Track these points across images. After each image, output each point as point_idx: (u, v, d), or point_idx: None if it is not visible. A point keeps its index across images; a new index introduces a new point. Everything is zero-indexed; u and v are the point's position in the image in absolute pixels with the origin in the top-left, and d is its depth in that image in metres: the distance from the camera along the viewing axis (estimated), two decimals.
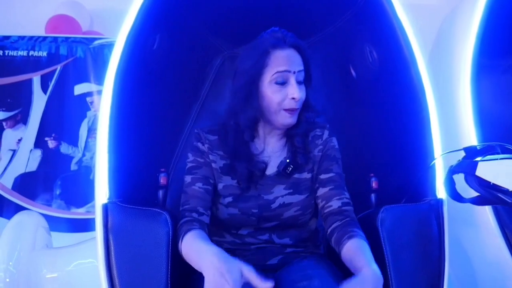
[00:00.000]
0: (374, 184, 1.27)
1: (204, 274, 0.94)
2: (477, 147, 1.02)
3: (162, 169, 1.23)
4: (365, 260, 1.00)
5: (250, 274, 0.92)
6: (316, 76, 1.61)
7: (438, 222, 1.17)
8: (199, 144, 1.21)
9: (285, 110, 1.16)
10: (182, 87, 1.52)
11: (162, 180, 1.21)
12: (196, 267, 1.00)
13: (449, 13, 1.75)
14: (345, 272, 1.10)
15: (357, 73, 1.52)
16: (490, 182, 0.95)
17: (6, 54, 2.13)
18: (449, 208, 1.21)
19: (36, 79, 2.16)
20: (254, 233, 1.21)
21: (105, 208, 1.08)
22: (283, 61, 1.13)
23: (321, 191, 1.19)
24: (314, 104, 1.24)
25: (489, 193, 0.95)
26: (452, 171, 0.99)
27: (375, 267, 0.99)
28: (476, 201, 1.05)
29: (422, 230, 1.15)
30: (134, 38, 1.27)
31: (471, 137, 1.32)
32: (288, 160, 1.19)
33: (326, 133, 1.24)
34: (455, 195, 1.06)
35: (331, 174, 1.20)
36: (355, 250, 1.05)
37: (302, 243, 1.22)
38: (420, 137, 1.26)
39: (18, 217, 1.28)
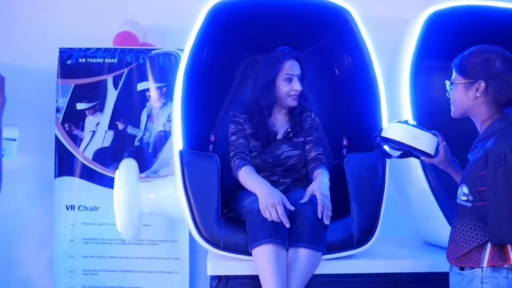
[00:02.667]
0: (345, 142, 1.95)
1: (258, 194, 1.61)
2: (397, 121, 1.58)
3: (212, 132, 1.93)
4: (320, 177, 1.73)
5: (284, 198, 1.60)
6: (313, 74, 2.28)
7: (383, 165, 1.83)
8: (237, 118, 1.90)
9: (290, 96, 1.87)
10: (219, 82, 2.18)
11: (212, 138, 1.92)
12: (250, 189, 1.66)
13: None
14: None
15: (339, 72, 2.16)
16: (388, 138, 1.52)
17: (88, 61, 2.66)
18: (395, 162, 1.84)
19: (109, 79, 2.66)
20: (268, 176, 1.89)
21: (181, 152, 1.77)
22: (290, 68, 1.85)
23: (307, 145, 1.90)
24: (306, 94, 1.96)
25: (387, 144, 1.54)
26: (374, 136, 1.60)
27: (325, 179, 1.71)
28: (399, 157, 1.64)
29: (371, 169, 1.81)
30: (193, 51, 1.93)
31: (408, 114, 1.93)
32: (289, 129, 1.90)
33: (313, 114, 1.95)
34: (384, 154, 1.65)
35: (312, 137, 1.91)
36: (317, 174, 1.78)
37: (297, 181, 1.90)
38: (375, 112, 1.92)
39: (126, 161, 1.93)
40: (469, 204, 1.32)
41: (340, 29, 2.09)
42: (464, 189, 1.34)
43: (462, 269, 1.34)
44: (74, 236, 2.65)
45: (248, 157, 1.82)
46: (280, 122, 1.93)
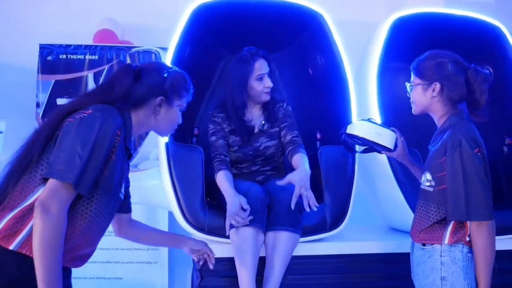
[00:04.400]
0: (318, 136, 2.11)
1: (227, 201, 1.72)
2: (361, 119, 1.77)
3: (195, 126, 2.06)
4: (301, 164, 1.82)
5: (243, 201, 1.69)
6: (289, 73, 2.42)
7: (352, 156, 2.00)
8: (215, 118, 2.01)
9: (264, 93, 1.99)
10: (200, 79, 2.26)
11: (196, 131, 2.04)
12: (223, 193, 1.77)
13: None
14: None
15: (313, 71, 2.32)
16: (352, 134, 1.69)
17: (69, 57, 2.74)
18: (364, 156, 2.00)
19: (90, 75, 2.74)
20: (249, 166, 2.03)
21: (167, 144, 1.89)
22: (260, 67, 1.96)
23: (282, 132, 2.02)
24: (276, 87, 2.08)
25: (351, 140, 1.70)
26: (340, 133, 1.76)
27: (306, 166, 1.79)
28: (362, 151, 1.82)
29: (342, 160, 1.97)
30: (177, 50, 2.04)
31: (374, 110, 2.10)
32: (263, 122, 2.01)
33: (285, 104, 2.08)
34: (349, 149, 1.82)
35: (286, 123, 2.02)
36: (297, 159, 1.87)
37: (275, 169, 2.05)
38: (345, 108, 2.09)
39: None
40: (431, 189, 1.50)
41: (313, 31, 2.25)
42: (428, 175, 1.52)
43: (424, 245, 1.51)
44: None
45: (227, 158, 1.94)
46: (255, 116, 2.05)
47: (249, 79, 1.96)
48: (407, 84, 1.61)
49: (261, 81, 1.97)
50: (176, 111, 1.40)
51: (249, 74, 1.96)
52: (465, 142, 1.42)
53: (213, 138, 1.98)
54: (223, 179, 1.83)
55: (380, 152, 1.75)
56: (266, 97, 2.01)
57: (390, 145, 1.69)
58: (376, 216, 2.44)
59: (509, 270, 1.96)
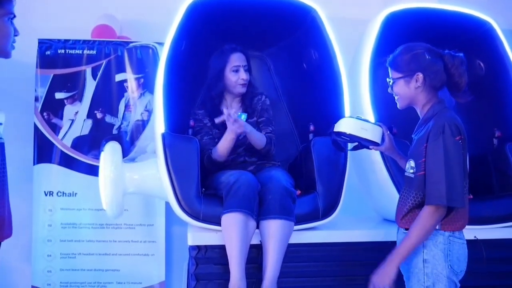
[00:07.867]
0: (312, 128, 2.16)
1: (227, 133, 1.88)
2: (348, 116, 1.82)
3: (191, 117, 2.10)
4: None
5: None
6: (283, 67, 2.47)
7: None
8: (197, 116, 2.09)
9: (239, 84, 2.08)
10: (196, 72, 2.33)
11: (191, 123, 2.09)
12: (225, 143, 1.90)
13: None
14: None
15: (307, 66, 2.36)
16: (340, 132, 1.72)
17: (67, 52, 2.74)
18: (358, 153, 2.02)
19: (88, 70, 2.74)
20: (235, 158, 2.07)
21: (163, 135, 1.93)
22: (236, 60, 2.06)
23: (259, 125, 2.09)
24: (253, 82, 2.19)
25: (340, 137, 1.74)
26: (329, 133, 1.80)
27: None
28: (352, 149, 1.85)
29: (335, 150, 2.00)
30: (173, 43, 2.08)
31: (367, 104, 2.13)
32: (239, 112, 2.06)
33: (263, 97, 2.17)
34: (339, 148, 1.86)
35: (263, 118, 2.12)
36: None
37: (264, 159, 2.09)
38: (338, 102, 2.13)
39: (111, 143, 2.03)
40: (413, 175, 1.55)
41: (308, 26, 2.29)
42: (411, 163, 1.57)
43: (407, 229, 1.56)
44: (52, 221, 2.72)
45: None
46: (234, 108, 2.12)
47: (225, 69, 2.06)
48: (388, 80, 1.65)
49: (236, 72, 2.07)
50: (3, 22, 1.28)
51: (225, 64, 2.06)
52: (448, 129, 1.47)
53: (199, 136, 2.05)
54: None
55: (368, 148, 1.79)
56: (241, 89, 2.09)
57: (377, 139, 1.73)
58: (369, 207, 2.48)
59: (498, 258, 2.01)
